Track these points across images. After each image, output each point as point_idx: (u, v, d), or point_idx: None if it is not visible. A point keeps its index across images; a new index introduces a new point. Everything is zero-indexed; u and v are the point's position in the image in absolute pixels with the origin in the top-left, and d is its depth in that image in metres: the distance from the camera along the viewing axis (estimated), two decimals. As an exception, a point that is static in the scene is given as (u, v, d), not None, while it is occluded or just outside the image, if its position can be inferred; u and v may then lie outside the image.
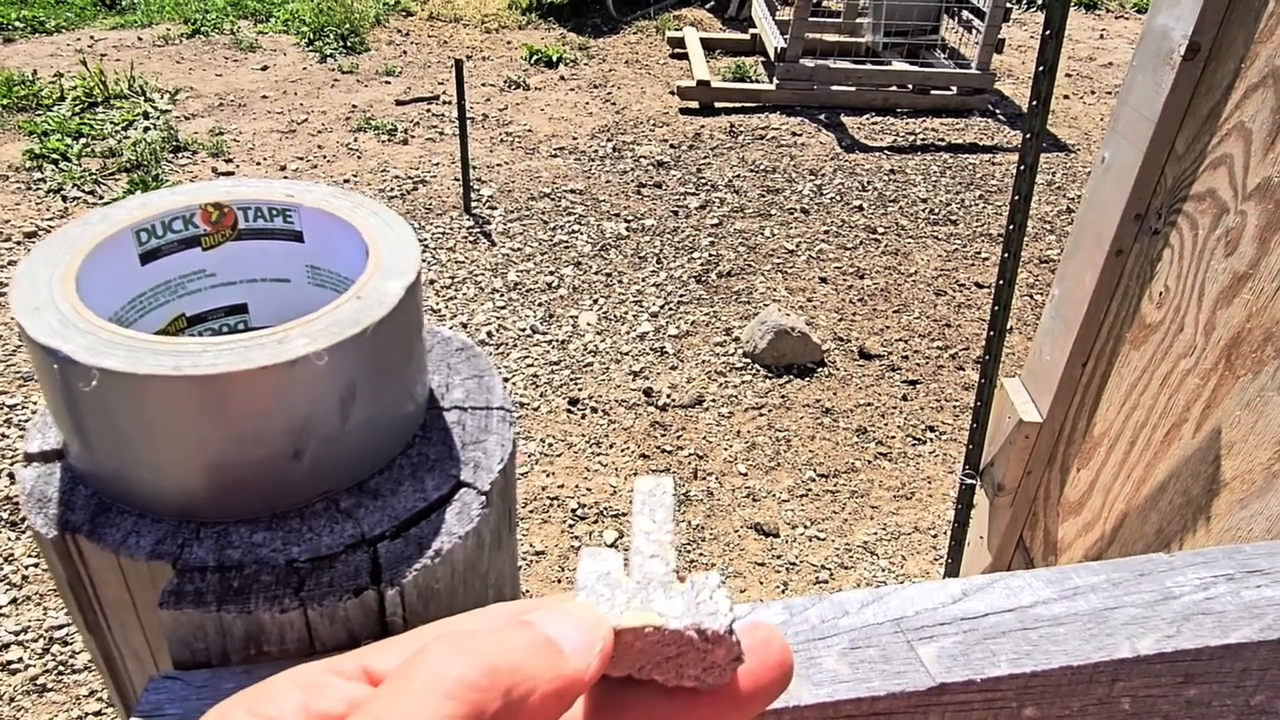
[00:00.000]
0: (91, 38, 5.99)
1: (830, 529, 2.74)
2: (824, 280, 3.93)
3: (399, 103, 5.32)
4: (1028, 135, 1.50)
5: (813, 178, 4.78)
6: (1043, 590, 0.47)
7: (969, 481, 1.73)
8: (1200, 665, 0.45)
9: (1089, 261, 1.41)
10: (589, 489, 2.81)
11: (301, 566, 0.40)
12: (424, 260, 3.85)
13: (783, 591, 2.51)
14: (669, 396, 3.20)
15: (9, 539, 2.50)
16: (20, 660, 2.18)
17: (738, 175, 4.75)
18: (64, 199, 4.10)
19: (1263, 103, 1.10)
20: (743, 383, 3.29)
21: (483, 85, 5.65)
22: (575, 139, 5.04)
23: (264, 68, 5.73)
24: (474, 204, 4.31)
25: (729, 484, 2.87)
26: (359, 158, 4.68)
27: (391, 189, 4.41)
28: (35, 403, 2.97)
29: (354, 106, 5.24)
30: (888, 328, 3.66)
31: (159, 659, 0.44)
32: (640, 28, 6.84)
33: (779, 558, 2.62)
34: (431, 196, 4.38)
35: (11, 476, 2.69)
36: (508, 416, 0.49)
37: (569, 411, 3.12)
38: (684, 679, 0.30)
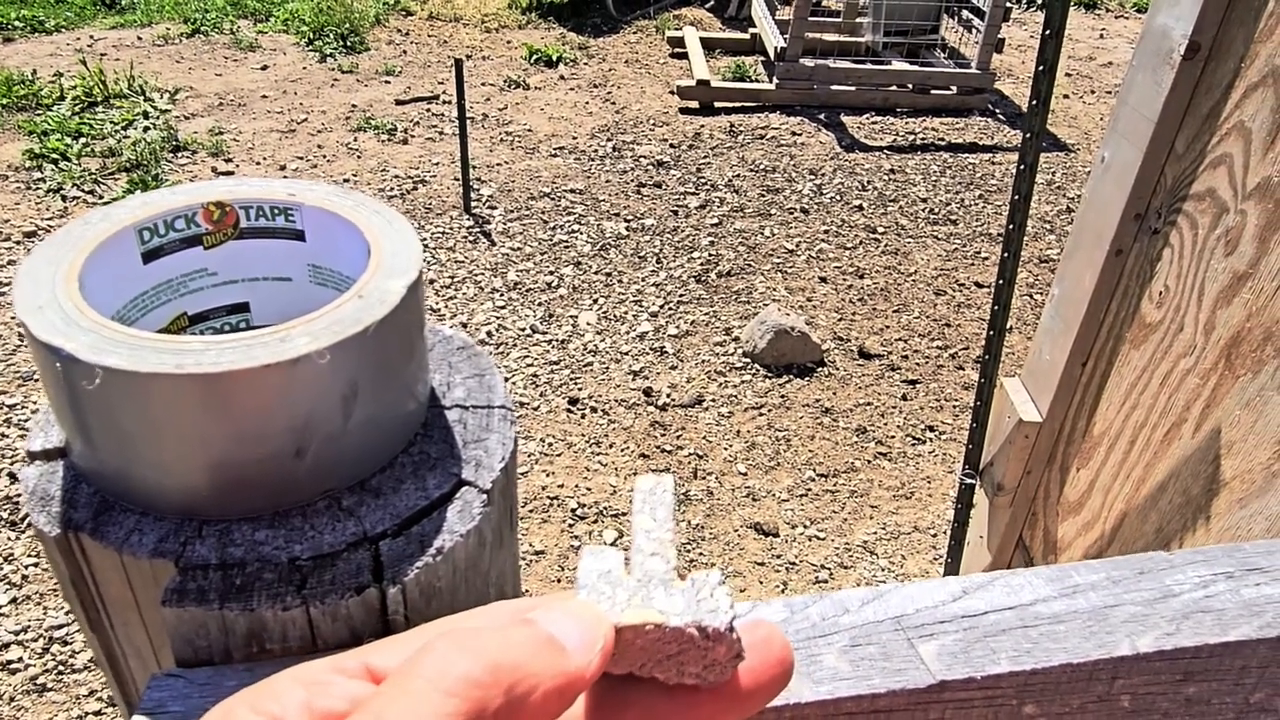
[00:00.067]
0: (91, 37, 5.99)
1: (830, 528, 2.74)
2: (824, 280, 3.93)
3: (399, 102, 5.32)
4: (1028, 135, 1.50)
5: (812, 177, 4.78)
6: (1043, 588, 0.47)
7: (969, 481, 1.73)
8: (1200, 663, 0.45)
9: (1089, 261, 1.41)
10: (589, 489, 2.81)
11: (304, 564, 0.40)
12: (424, 259, 3.84)
13: (782, 591, 2.51)
14: (669, 396, 3.20)
15: (9, 539, 2.50)
16: (20, 660, 2.19)
17: (737, 175, 4.75)
18: (64, 199, 4.10)
19: (1262, 102, 1.10)
20: (742, 382, 3.29)
21: (482, 85, 5.65)
22: (575, 139, 5.04)
23: (264, 67, 5.73)
24: (474, 203, 4.31)
25: (729, 483, 2.87)
26: (359, 157, 4.68)
27: (391, 188, 4.41)
28: (35, 402, 2.97)
29: (354, 106, 5.24)
30: (887, 327, 3.66)
31: (161, 657, 0.45)
32: (640, 27, 6.84)
33: (779, 557, 2.62)
34: (431, 196, 4.37)
35: (12, 476, 2.69)
36: (509, 415, 0.49)
37: (569, 411, 3.12)
38: (685, 676, 0.30)
